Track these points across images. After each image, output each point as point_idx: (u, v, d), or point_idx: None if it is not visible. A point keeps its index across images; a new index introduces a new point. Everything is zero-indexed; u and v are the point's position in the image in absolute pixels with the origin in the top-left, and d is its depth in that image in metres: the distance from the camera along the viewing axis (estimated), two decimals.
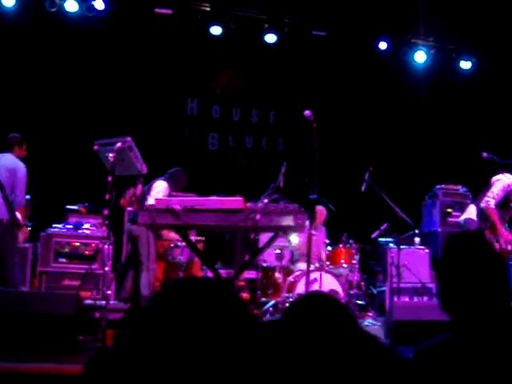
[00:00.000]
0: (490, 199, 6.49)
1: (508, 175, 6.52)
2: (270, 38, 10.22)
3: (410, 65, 10.80)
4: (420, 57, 10.71)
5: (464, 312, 2.05)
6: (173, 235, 7.00)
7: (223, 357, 1.29)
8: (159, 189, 6.64)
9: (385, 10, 10.24)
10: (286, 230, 5.56)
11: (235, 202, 5.16)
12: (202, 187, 7.73)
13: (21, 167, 6.17)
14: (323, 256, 7.92)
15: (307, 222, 5.48)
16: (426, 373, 1.97)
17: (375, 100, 10.83)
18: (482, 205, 6.56)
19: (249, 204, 5.23)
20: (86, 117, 9.26)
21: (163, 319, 1.31)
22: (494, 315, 2.00)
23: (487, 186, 6.59)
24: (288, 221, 5.13)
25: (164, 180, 6.88)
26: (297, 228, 5.29)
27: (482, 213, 6.60)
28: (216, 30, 9.98)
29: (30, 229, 6.99)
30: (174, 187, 6.90)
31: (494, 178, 6.55)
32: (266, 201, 5.24)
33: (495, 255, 2.13)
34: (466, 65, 10.87)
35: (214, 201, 5.23)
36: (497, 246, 6.37)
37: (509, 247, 6.36)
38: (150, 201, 6.15)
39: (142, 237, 6.49)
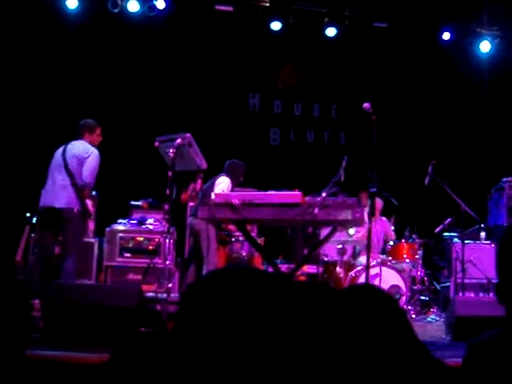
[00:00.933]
0: None
1: None
2: (331, 32, 10.15)
3: (475, 55, 10.52)
4: (485, 46, 10.42)
5: None
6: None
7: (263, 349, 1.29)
8: (223, 185, 6.73)
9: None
10: (344, 224, 5.52)
11: (293, 196, 5.16)
12: (264, 183, 7.75)
13: (91, 152, 6.12)
14: (391, 243, 7.83)
15: (366, 216, 5.43)
16: (478, 368, 1.93)
17: (438, 92, 10.60)
18: None
19: (307, 198, 5.21)
20: (148, 114, 9.44)
21: (201, 310, 1.32)
22: None
23: None
24: (346, 215, 5.09)
25: (226, 175, 6.96)
26: (355, 222, 5.25)
27: None
28: (276, 26, 9.99)
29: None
30: (235, 180, 6.99)
31: None
32: (324, 195, 5.21)
33: None
34: None
35: (272, 195, 5.24)
36: None
37: None
38: (213, 195, 6.23)
39: (202, 231, 6.57)
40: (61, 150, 6.21)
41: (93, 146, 6.24)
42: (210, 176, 7.15)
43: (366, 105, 5.74)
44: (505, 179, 8.43)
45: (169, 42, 9.76)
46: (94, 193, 7.00)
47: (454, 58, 10.56)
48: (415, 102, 10.56)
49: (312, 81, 10.71)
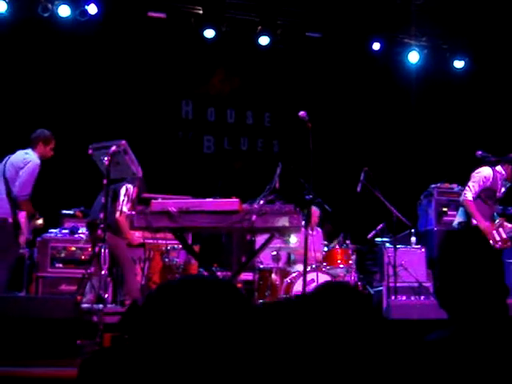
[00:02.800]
0: (467, 192, 6.55)
1: (488, 168, 6.54)
2: (264, 40, 10.22)
3: (404, 65, 10.84)
4: (413, 57, 10.75)
5: (462, 309, 2.06)
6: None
7: (225, 353, 1.29)
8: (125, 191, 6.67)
9: (378, 10, 10.27)
10: (281, 231, 5.56)
11: (231, 203, 5.17)
12: (198, 190, 7.72)
13: (27, 161, 5.99)
14: (319, 257, 7.93)
15: (303, 223, 5.49)
16: (427, 368, 1.97)
17: (369, 100, 10.85)
18: (460, 198, 6.65)
19: (244, 205, 5.24)
20: (80, 121, 9.26)
21: (162, 317, 1.31)
22: (491, 311, 2.02)
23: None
24: (283, 221, 5.15)
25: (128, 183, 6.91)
26: (292, 229, 5.31)
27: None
28: (209, 33, 9.98)
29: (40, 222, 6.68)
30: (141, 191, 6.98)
31: (475, 172, 6.60)
32: (261, 202, 5.25)
33: (491, 251, 2.16)
34: (459, 64, 10.90)
35: (210, 202, 5.23)
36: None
37: (497, 245, 6.35)
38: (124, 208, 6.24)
39: (113, 243, 6.53)
40: (6, 158, 6.09)
41: (42, 158, 6.13)
42: (147, 183, 7.08)
43: (302, 113, 5.82)
44: (433, 185, 8.71)
45: (101, 47, 9.60)
46: None
47: (385, 68, 10.84)
48: (347, 111, 10.77)
49: (245, 88, 10.76)
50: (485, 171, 6.55)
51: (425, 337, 2.18)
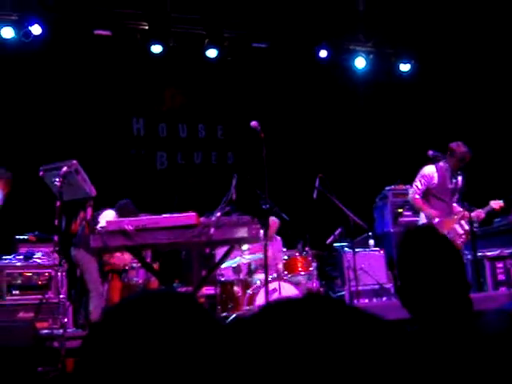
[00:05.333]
0: (411, 191, 6.71)
1: (430, 166, 6.68)
2: (211, 53, 10.23)
3: (351, 71, 10.98)
4: (360, 62, 10.91)
5: (424, 307, 2.06)
6: (124, 257, 6.92)
7: (188, 369, 1.25)
8: (108, 217, 6.55)
9: (323, 18, 10.40)
10: (240, 242, 5.55)
11: (188, 217, 5.13)
12: (153, 207, 7.64)
13: None
14: (280, 266, 7.93)
15: (261, 233, 5.48)
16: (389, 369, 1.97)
17: (320, 107, 10.96)
18: (409, 199, 6.80)
19: (202, 219, 5.20)
20: (30, 142, 9.08)
21: (120, 335, 1.27)
22: (454, 307, 2.02)
23: None
24: (242, 232, 5.12)
25: (112, 209, 6.86)
26: (251, 239, 5.29)
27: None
28: (156, 49, 9.94)
29: None
30: (123, 216, 6.85)
31: (421, 170, 6.75)
32: (218, 214, 5.22)
33: (450, 247, 2.16)
34: (405, 67, 11.10)
35: (166, 218, 5.18)
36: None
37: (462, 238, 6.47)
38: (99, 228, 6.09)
39: (81, 261, 6.41)
40: None
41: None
42: (98, 203, 6.97)
43: (254, 123, 5.84)
44: (388, 188, 8.82)
45: (48, 67, 9.44)
46: None
47: (333, 74, 10.97)
48: (299, 119, 10.84)
49: (196, 102, 10.74)
50: (426, 169, 6.69)
51: None
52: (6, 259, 7.44)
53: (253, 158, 8.03)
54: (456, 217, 6.59)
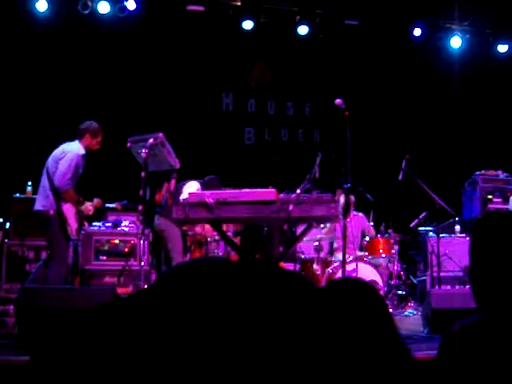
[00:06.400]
0: None
1: None
2: (303, 30, 10.17)
3: (446, 50, 10.61)
4: (456, 42, 10.52)
5: (495, 298, 1.95)
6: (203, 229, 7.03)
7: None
8: (192, 189, 6.68)
9: None
10: (319, 220, 5.52)
11: (268, 193, 5.13)
12: (240, 182, 7.73)
13: (67, 152, 5.96)
14: (357, 244, 7.85)
15: (341, 212, 5.43)
16: (452, 356, 1.92)
17: (411, 87, 10.68)
18: None
19: (281, 195, 5.20)
20: (121, 114, 9.36)
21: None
22: None
23: None
24: (321, 210, 5.08)
25: (197, 181, 6.95)
26: (330, 217, 5.25)
27: None
28: (248, 25, 9.98)
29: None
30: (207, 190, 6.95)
31: None
32: (298, 191, 5.20)
33: None
34: (503, 48, 10.62)
35: (247, 193, 5.21)
36: None
37: None
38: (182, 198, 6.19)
39: (166, 231, 6.53)
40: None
41: (88, 150, 6.15)
42: (184, 176, 7.11)
43: (339, 101, 5.76)
44: (478, 173, 8.52)
45: (141, 42, 9.68)
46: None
47: (427, 54, 10.64)
48: (388, 98, 10.62)
49: (285, 79, 10.72)
50: None
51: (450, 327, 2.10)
52: (95, 226, 7.76)
53: (339, 136, 7.92)
54: None
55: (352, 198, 8.11)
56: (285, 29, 10.24)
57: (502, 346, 1.82)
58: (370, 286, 1.85)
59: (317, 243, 7.75)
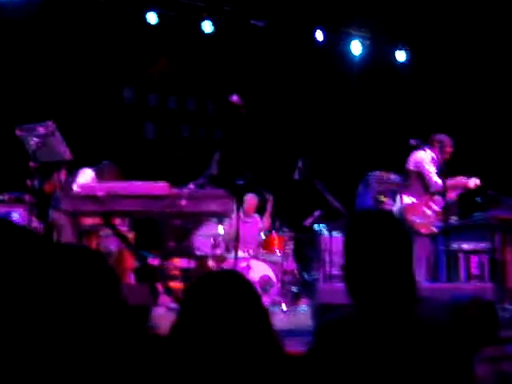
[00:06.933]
0: (432, 179, 6.62)
1: (422, 152, 6.66)
2: (207, 27, 10.15)
3: (347, 56, 10.91)
4: (356, 48, 10.83)
5: (366, 293, 1.99)
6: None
7: None
8: (86, 176, 6.52)
9: (322, 0, 10.31)
10: (212, 216, 5.54)
11: (160, 187, 5.10)
12: (139, 178, 7.62)
13: None
14: (256, 244, 7.95)
15: (234, 208, 5.47)
16: (326, 345, 1.95)
17: (312, 89, 10.89)
18: (432, 190, 6.67)
19: (174, 189, 5.18)
20: (14, 104, 8.99)
21: None
22: (397, 294, 1.96)
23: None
24: (214, 206, 5.10)
25: (92, 168, 6.78)
26: (223, 213, 5.27)
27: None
28: (152, 18, 9.86)
29: None
30: (102, 178, 6.79)
31: (416, 160, 6.70)
32: (191, 186, 5.20)
33: (399, 232, 2.05)
34: (400, 56, 11.04)
35: (138, 186, 5.16)
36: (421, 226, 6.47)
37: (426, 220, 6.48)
38: (75, 187, 6.03)
39: (58, 224, 6.36)
40: None
41: None
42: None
43: (235, 97, 5.81)
44: (371, 174, 8.76)
45: (40, 31, 9.32)
46: None
47: (328, 58, 10.89)
48: (290, 99, 10.77)
49: (188, 75, 10.65)
50: (424, 155, 6.68)
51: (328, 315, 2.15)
52: None
53: (239, 134, 7.98)
54: (424, 199, 6.60)
55: (255, 198, 8.22)
56: (190, 24, 10.18)
57: (370, 337, 1.88)
58: (243, 278, 1.87)
59: (213, 240, 7.76)
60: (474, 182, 6.73)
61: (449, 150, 6.58)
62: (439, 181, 6.54)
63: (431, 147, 6.63)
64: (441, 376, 1.82)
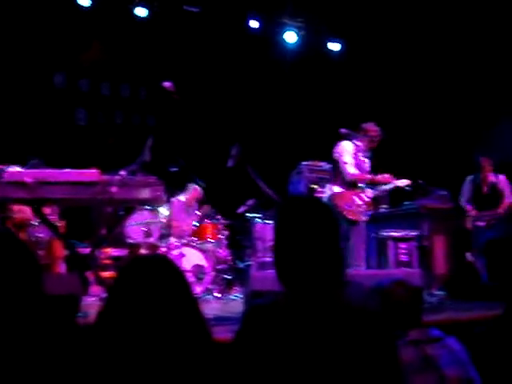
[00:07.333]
0: (346, 169, 6.71)
1: (347, 142, 6.76)
2: (140, 12, 10.00)
3: (281, 44, 10.95)
4: (290, 37, 10.89)
5: (295, 278, 2.00)
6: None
7: None
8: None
9: None
10: (143, 203, 5.47)
11: (90, 174, 5.00)
12: (69, 164, 7.45)
13: None
14: (190, 232, 7.92)
15: (164, 194, 5.41)
16: (253, 331, 1.96)
17: (246, 77, 10.89)
18: (346, 179, 6.76)
19: (105, 176, 5.08)
20: None
21: None
22: (324, 279, 1.98)
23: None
24: (145, 193, 5.04)
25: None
26: (154, 201, 5.22)
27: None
28: (85, 1, 9.64)
29: None
30: None
31: (339, 148, 6.79)
32: (122, 173, 5.12)
33: (327, 219, 2.07)
34: (334, 46, 11.17)
35: (68, 173, 5.04)
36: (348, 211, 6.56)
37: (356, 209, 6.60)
38: None
39: None
40: None
41: None
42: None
43: (167, 83, 5.76)
44: (304, 163, 8.85)
45: None
46: None
47: (263, 46, 10.91)
48: (224, 86, 10.75)
49: (121, 61, 10.47)
50: (347, 145, 6.73)
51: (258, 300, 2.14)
52: None
53: (171, 120, 7.92)
54: (357, 190, 6.71)
55: (199, 190, 8.19)
56: (123, 9, 10.00)
57: (297, 322, 1.89)
58: (171, 263, 1.86)
59: (145, 228, 7.69)
60: (402, 182, 6.88)
61: (375, 138, 6.67)
62: (353, 171, 6.63)
63: (359, 136, 6.72)
64: (367, 359, 1.84)
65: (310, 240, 2.01)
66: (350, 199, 6.61)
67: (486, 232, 7.66)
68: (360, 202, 6.62)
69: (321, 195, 8.37)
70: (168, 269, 1.82)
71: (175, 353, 1.65)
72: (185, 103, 5.99)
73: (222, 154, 7.71)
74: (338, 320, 1.88)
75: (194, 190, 8.22)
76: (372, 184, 6.70)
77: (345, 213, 6.56)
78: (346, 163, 6.66)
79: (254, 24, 10.55)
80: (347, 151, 6.70)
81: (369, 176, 6.68)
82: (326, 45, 11.21)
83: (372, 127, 6.67)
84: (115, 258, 7.94)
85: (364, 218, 6.60)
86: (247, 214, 8.48)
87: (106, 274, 6.77)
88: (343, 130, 6.74)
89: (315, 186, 8.74)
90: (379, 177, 6.70)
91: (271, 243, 6.97)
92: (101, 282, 5.59)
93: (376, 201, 6.64)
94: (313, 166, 8.61)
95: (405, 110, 10.59)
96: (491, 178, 7.95)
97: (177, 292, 1.76)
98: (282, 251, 2.09)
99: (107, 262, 7.82)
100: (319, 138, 9.72)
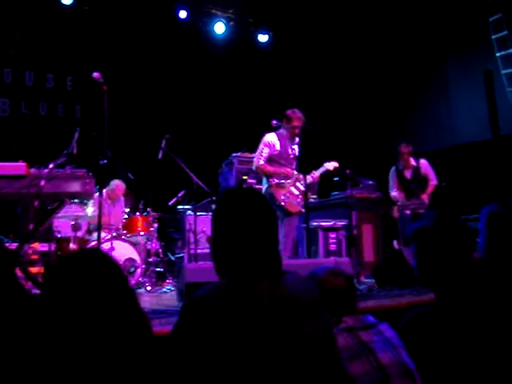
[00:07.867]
0: (256, 158, 6.83)
1: (271, 134, 6.85)
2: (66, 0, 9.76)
3: (210, 35, 10.92)
4: (219, 28, 10.87)
5: (232, 267, 2.02)
6: None
7: None
8: None
9: None
10: (73, 197, 5.36)
11: (16, 167, 4.86)
12: None
13: None
14: (120, 225, 7.81)
15: (95, 189, 5.33)
16: (191, 323, 1.96)
17: (175, 67, 10.82)
18: (253, 167, 6.91)
19: (32, 170, 4.95)
20: None
21: None
22: (261, 266, 2.00)
23: None
24: (75, 187, 4.95)
25: None
26: (85, 194, 5.12)
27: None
28: None
29: None
30: None
31: (261, 140, 6.89)
32: (51, 166, 5.00)
33: (264, 210, 2.09)
34: (262, 38, 11.23)
35: None
36: (285, 200, 6.65)
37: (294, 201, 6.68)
38: None
39: None
40: None
41: None
42: None
43: (96, 74, 5.66)
44: (234, 154, 8.89)
45: None
46: None
47: (191, 36, 10.84)
48: (153, 77, 10.64)
49: (46, 50, 10.18)
50: (268, 137, 6.82)
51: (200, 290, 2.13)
52: None
53: (99, 111, 7.75)
54: (291, 180, 6.78)
55: (122, 184, 8.08)
56: None
57: (235, 312, 1.90)
58: (107, 257, 1.83)
59: (73, 222, 7.53)
60: (332, 165, 7.00)
61: (297, 124, 6.73)
62: (261, 162, 6.73)
63: (284, 125, 6.80)
64: (305, 347, 1.87)
65: (248, 230, 2.02)
66: (289, 191, 6.69)
67: (412, 221, 7.89)
68: (297, 192, 6.71)
69: (252, 186, 8.46)
70: (105, 262, 1.81)
71: (116, 347, 1.64)
72: (113, 94, 5.89)
73: (151, 146, 7.66)
74: (278, 308, 1.90)
75: (118, 185, 8.13)
76: (277, 174, 6.76)
77: (285, 206, 6.64)
78: (261, 152, 6.77)
79: (182, 14, 10.47)
80: (265, 142, 6.79)
81: (271, 168, 6.74)
82: (254, 35, 11.25)
83: (292, 114, 6.74)
84: (43, 253, 7.76)
85: (303, 210, 6.68)
86: (178, 206, 8.44)
87: (34, 269, 6.62)
88: (274, 122, 6.80)
89: (245, 177, 8.79)
90: (281, 169, 6.76)
91: (202, 235, 7.01)
92: (29, 277, 5.45)
93: (308, 189, 6.74)
94: (243, 158, 8.66)
95: (330, 99, 10.78)
96: (412, 163, 8.13)
97: (115, 285, 1.75)
98: (220, 242, 2.10)
99: (35, 257, 7.63)
100: (249, 128, 9.80)
